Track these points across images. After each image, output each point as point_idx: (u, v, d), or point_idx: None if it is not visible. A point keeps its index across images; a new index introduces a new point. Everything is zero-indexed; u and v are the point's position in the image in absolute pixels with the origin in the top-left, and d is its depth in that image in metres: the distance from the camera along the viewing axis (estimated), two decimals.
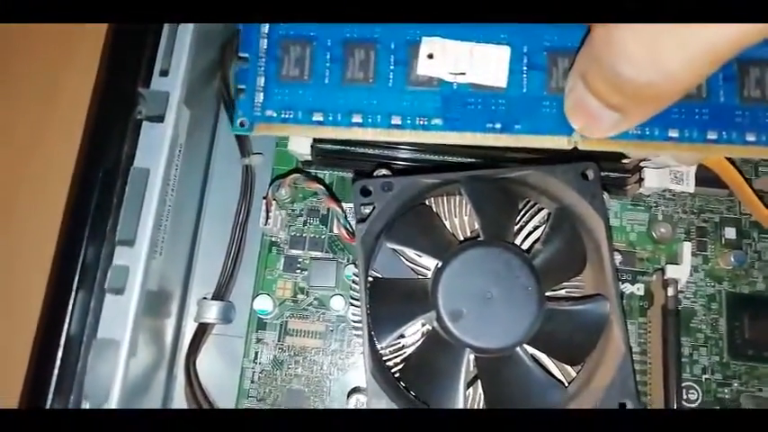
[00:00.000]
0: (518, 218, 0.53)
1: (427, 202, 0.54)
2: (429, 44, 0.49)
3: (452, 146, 0.61)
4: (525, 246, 0.52)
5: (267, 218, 0.58)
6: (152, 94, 0.47)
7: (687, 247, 0.61)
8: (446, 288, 0.48)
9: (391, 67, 0.50)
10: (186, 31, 0.51)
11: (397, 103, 0.49)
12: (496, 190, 0.51)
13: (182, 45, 0.50)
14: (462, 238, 0.53)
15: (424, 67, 0.49)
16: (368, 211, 0.49)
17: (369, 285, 0.50)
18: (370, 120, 0.49)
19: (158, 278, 0.53)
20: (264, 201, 0.58)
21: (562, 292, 0.53)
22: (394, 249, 0.51)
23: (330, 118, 0.49)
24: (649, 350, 0.60)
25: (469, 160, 0.59)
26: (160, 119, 0.47)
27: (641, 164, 0.62)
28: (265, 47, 0.50)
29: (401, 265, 0.53)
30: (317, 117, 0.49)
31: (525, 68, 0.49)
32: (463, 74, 0.49)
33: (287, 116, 0.49)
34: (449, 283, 0.48)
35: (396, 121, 0.49)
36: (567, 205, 0.51)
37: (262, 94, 0.50)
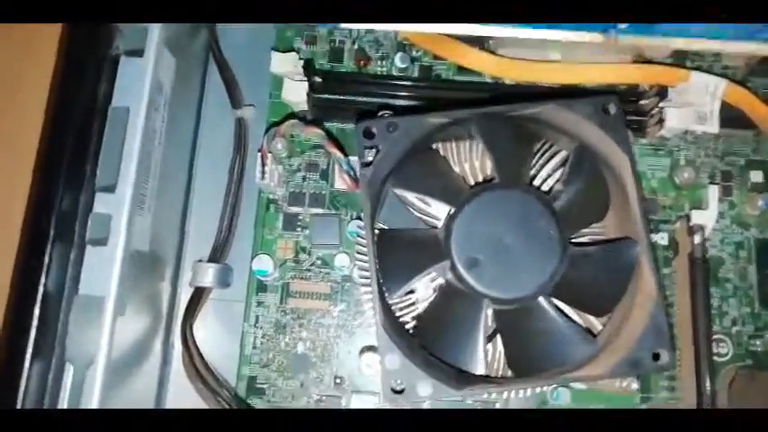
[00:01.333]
0: (534, 161, 0.48)
1: (435, 147, 0.50)
2: None
3: (459, 85, 0.58)
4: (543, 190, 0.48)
5: (263, 172, 0.54)
6: (130, 28, 0.43)
7: (714, 191, 0.57)
8: (460, 235, 0.44)
9: None
10: None
11: None
12: (510, 128, 0.47)
13: None
14: (474, 184, 0.49)
15: None
16: (372, 155, 0.45)
17: (376, 237, 0.46)
18: None
19: (149, 238, 0.49)
20: (259, 153, 0.54)
21: (584, 239, 0.49)
22: (401, 197, 0.47)
23: None
24: (676, 302, 0.56)
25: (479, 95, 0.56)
26: (139, 53, 0.42)
27: (661, 103, 0.58)
28: None
29: (409, 216, 0.49)
30: None
31: None
32: None
33: None
34: (463, 231, 0.44)
35: None
36: (588, 143, 0.47)
37: None
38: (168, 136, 0.51)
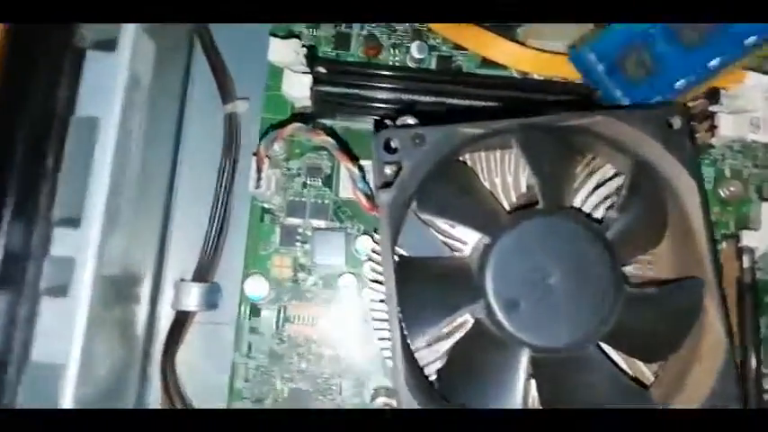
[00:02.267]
0: (581, 179, 0.42)
1: (462, 159, 0.42)
2: None
3: (485, 83, 0.51)
4: (588, 205, 0.41)
5: (259, 179, 0.46)
6: None
7: (766, 209, 0.50)
8: (497, 272, 0.37)
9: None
10: None
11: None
12: (557, 143, 0.40)
13: None
14: (507, 204, 0.42)
15: None
16: (393, 170, 0.38)
17: (396, 266, 0.39)
18: None
19: (120, 258, 0.41)
20: (255, 158, 0.46)
21: (629, 269, 0.42)
22: (426, 221, 0.40)
23: None
24: None
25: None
26: (110, 46, 0.34)
27: (711, 107, 0.51)
28: None
29: (430, 238, 0.42)
30: None
31: None
32: None
33: None
34: (500, 265, 0.37)
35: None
36: (646, 161, 0.40)
37: None
38: (146, 137, 0.43)
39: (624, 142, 0.40)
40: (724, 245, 0.52)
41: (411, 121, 0.40)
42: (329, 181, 0.51)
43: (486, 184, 0.43)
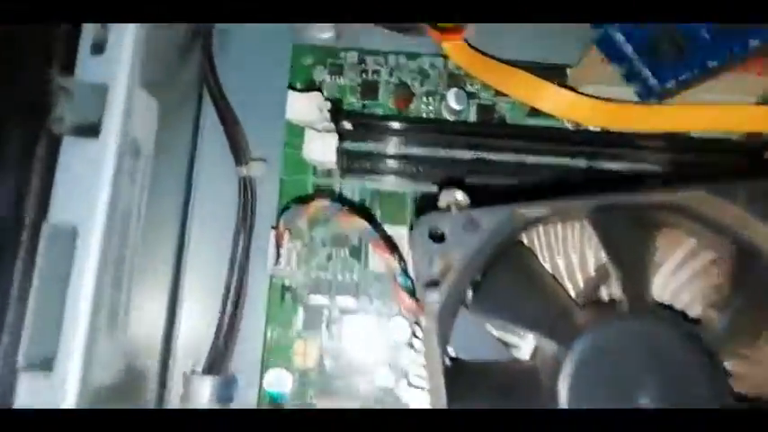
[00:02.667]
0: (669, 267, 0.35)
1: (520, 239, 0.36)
2: None
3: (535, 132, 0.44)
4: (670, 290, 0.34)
5: (278, 256, 0.40)
6: (79, 86, 0.28)
7: None
8: (574, 385, 0.30)
9: None
10: None
11: None
12: (639, 225, 0.33)
13: None
14: (573, 291, 0.35)
15: None
16: (441, 265, 0.31)
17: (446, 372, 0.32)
18: None
19: (120, 361, 0.35)
20: (274, 233, 0.39)
21: (726, 364, 0.35)
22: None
23: None
24: None
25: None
26: (94, 130, 0.27)
27: None
28: None
29: (482, 332, 0.35)
30: None
31: None
32: None
33: None
34: (576, 379, 0.31)
35: None
36: (751, 244, 0.33)
37: None
38: (149, 211, 0.37)
39: (723, 223, 0.33)
40: None
41: (460, 196, 0.34)
42: (357, 252, 0.44)
43: (548, 266, 0.36)
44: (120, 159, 0.28)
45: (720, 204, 0.32)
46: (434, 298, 0.30)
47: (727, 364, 0.35)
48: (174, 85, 0.44)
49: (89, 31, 0.30)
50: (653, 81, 0.40)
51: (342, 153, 0.43)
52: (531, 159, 0.44)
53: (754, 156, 0.44)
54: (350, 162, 0.44)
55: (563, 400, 0.31)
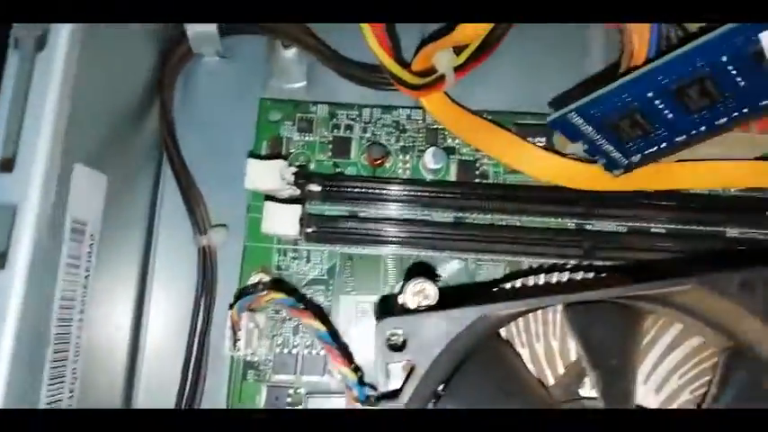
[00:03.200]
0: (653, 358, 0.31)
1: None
2: None
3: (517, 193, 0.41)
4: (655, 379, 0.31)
5: (235, 341, 0.37)
6: None
7: None
8: None
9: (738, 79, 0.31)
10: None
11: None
12: (622, 322, 0.29)
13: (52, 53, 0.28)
14: (552, 378, 0.32)
15: None
16: (399, 381, 0.28)
17: None
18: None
19: None
20: (230, 319, 0.36)
21: None
22: None
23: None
24: None
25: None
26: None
27: None
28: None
29: None
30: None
31: None
32: None
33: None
34: None
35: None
36: (743, 342, 0.29)
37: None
38: (100, 285, 0.34)
39: (713, 317, 0.29)
40: None
41: (428, 288, 0.30)
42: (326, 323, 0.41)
43: (526, 353, 0.33)
44: (29, 288, 0.25)
45: (710, 297, 0.28)
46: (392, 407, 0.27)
47: None
48: (129, 153, 0.41)
49: None
50: (617, 155, 0.37)
51: (309, 218, 0.40)
52: (519, 220, 0.41)
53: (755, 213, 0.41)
54: (318, 226, 0.41)
55: None
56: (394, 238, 0.41)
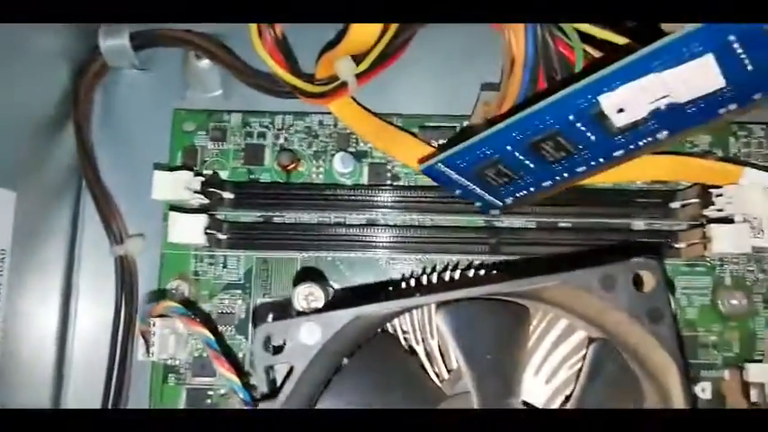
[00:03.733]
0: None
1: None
2: (608, 100, 0.30)
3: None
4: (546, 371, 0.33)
5: (148, 347, 0.38)
6: None
7: None
8: None
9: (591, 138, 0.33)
10: None
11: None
12: (496, 316, 0.31)
13: None
14: (438, 380, 0.33)
15: (621, 121, 0.32)
16: (279, 377, 0.29)
17: None
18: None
19: None
20: (139, 329, 0.38)
21: None
22: None
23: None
24: None
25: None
26: None
27: (704, 212, 0.42)
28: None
29: None
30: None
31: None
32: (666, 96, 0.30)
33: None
34: None
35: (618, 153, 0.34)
36: (611, 334, 0.31)
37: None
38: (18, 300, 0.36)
39: (580, 310, 0.31)
40: (727, 374, 0.43)
41: (317, 291, 0.32)
42: (243, 327, 0.42)
43: (420, 349, 0.34)
44: None
45: (575, 293, 0.30)
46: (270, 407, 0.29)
47: None
48: (46, 169, 0.42)
49: None
50: (490, 198, 0.39)
51: (223, 225, 0.42)
52: (431, 219, 0.42)
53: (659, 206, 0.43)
54: (233, 233, 0.42)
55: None
56: (308, 242, 0.42)
